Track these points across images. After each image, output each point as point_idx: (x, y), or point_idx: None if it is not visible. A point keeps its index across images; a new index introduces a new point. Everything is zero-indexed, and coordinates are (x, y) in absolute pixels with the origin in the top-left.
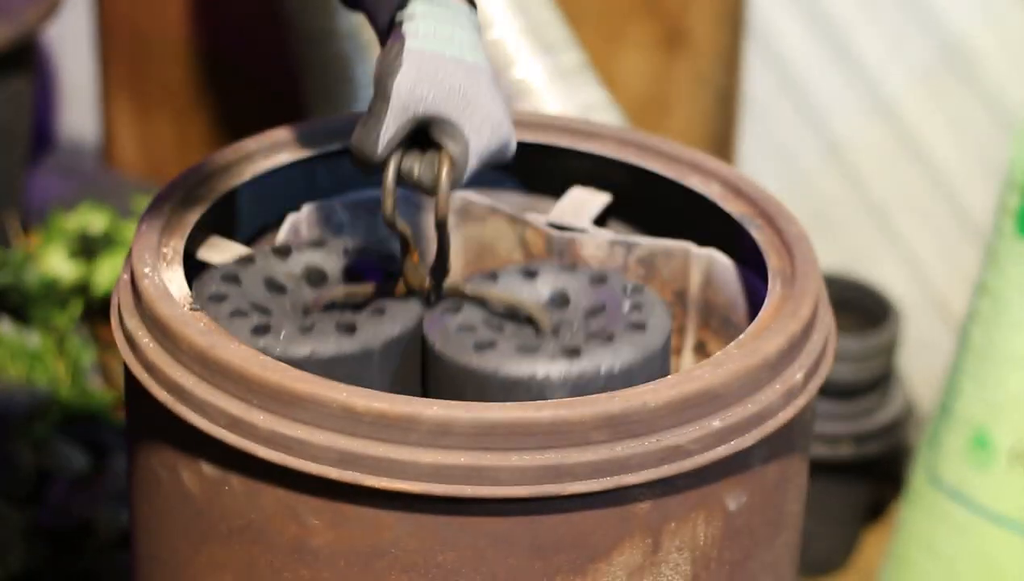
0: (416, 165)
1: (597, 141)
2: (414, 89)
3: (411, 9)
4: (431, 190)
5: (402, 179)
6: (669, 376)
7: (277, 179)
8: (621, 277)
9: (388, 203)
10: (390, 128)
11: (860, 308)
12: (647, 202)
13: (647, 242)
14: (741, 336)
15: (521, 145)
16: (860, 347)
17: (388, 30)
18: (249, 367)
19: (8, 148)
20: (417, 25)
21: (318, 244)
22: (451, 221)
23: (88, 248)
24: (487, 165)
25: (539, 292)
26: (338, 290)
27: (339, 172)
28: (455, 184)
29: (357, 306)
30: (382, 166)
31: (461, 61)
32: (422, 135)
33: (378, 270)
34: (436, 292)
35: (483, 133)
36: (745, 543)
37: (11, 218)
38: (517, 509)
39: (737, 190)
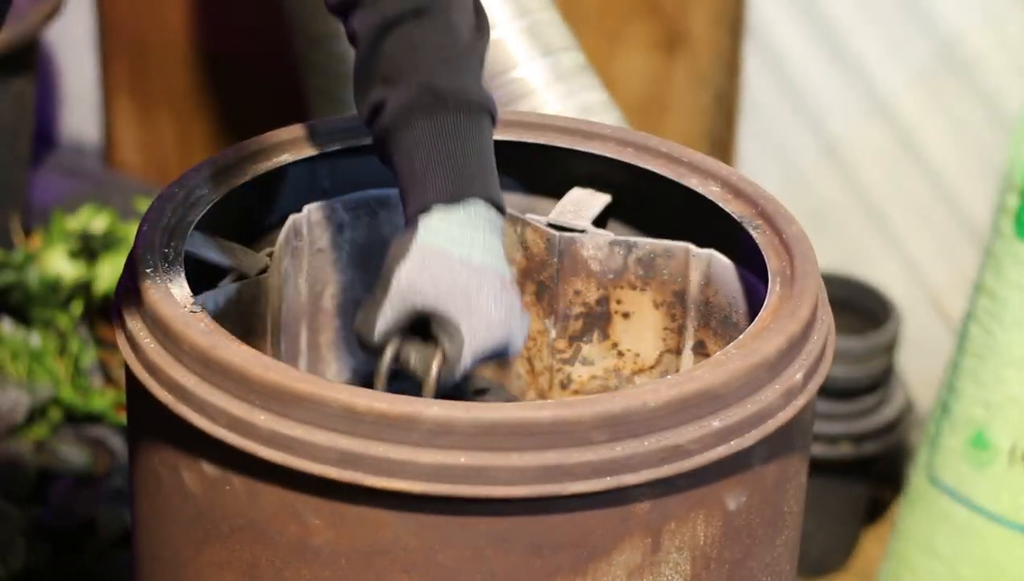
0: (413, 354)
1: (597, 141)
2: (415, 283)
3: (433, 205)
4: (422, 382)
5: (399, 364)
6: (669, 376)
7: (278, 180)
8: None
9: (378, 387)
10: (387, 316)
11: (859, 308)
12: (647, 202)
13: (647, 242)
14: (741, 336)
15: (521, 145)
16: (859, 347)
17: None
18: (250, 367)
19: (10, 148)
20: (432, 221)
21: None
22: None
23: (89, 248)
24: (486, 362)
25: None
26: None
27: (340, 172)
28: (445, 380)
29: None
30: (380, 350)
31: (468, 262)
32: (424, 326)
33: None
34: None
35: (479, 334)
36: (745, 543)
37: (13, 218)
38: (517, 509)
39: (736, 190)
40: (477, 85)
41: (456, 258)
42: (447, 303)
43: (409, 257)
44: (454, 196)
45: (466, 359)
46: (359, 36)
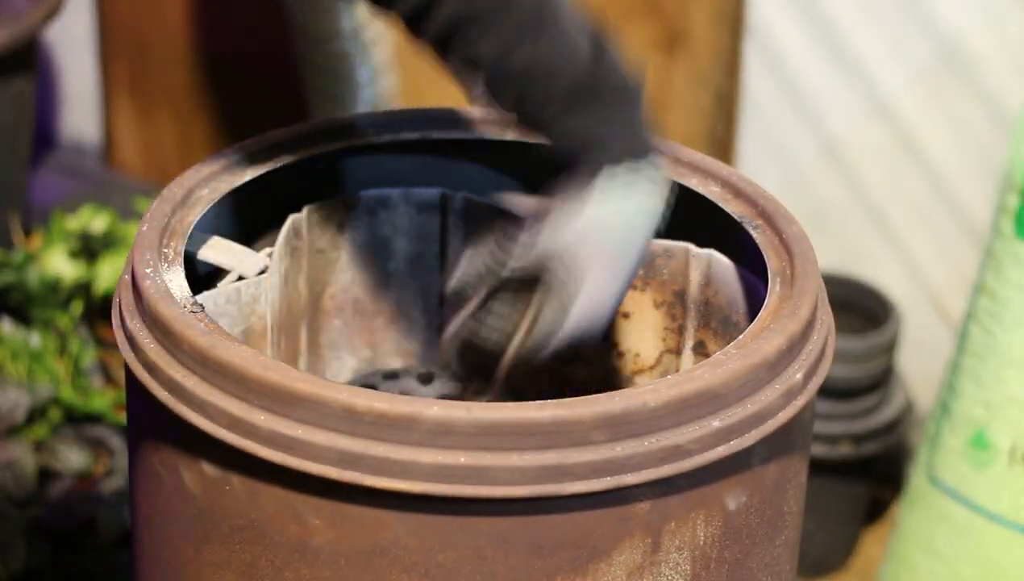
0: (500, 310)
1: None
2: (569, 247)
3: (618, 164)
4: (493, 350)
5: (474, 324)
6: (669, 376)
7: (278, 179)
8: None
9: (459, 323)
10: (523, 259)
11: (859, 308)
12: None
13: None
14: (741, 336)
15: (521, 145)
16: (859, 347)
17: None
18: (250, 367)
19: (10, 148)
20: (611, 183)
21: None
22: (453, 221)
23: (89, 248)
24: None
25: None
26: None
27: (340, 172)
28: (535, 345)
29: None
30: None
31: (624, 241)
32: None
33: None
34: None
35: (586, 314)
36: (745, 543)
37: (13, 218)
38: (517, 509)
39: (736, 190)
40: (626, 67)
41: (613, 232)
42: (569, 280)
43: (568, 222)
44: (638, 155)
45: (555, 343)
46: (482, 60)
